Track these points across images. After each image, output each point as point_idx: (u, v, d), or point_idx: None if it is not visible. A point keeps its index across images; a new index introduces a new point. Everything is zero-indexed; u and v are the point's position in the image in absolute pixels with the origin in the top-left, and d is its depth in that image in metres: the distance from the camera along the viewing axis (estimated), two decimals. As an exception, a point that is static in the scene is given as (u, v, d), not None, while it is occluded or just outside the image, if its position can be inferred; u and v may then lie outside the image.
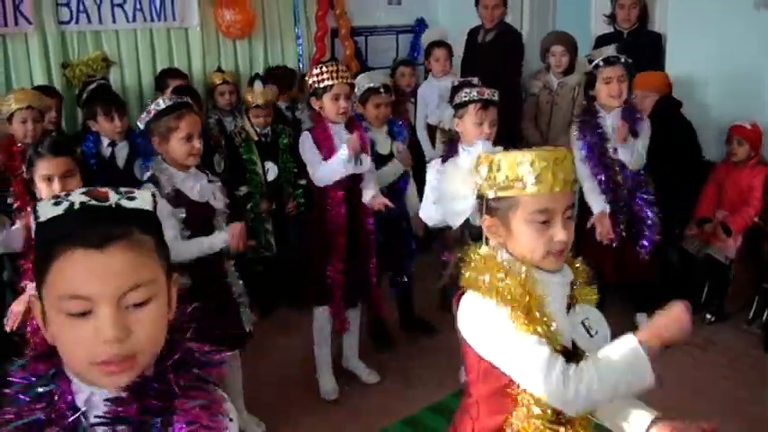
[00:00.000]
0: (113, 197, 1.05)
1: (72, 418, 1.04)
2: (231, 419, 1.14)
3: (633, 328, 1.56)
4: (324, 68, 3.31)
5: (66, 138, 4.01)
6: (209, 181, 2.96)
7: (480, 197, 1.59)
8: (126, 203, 1.05)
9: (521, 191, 1.50)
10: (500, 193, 1.53)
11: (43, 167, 2.59)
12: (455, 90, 4.11)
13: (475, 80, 4.21)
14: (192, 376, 1.11)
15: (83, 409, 1.05)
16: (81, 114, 4.44)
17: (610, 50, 3.71)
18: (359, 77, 3.93)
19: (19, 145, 3.55)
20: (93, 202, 1.03)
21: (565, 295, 1.59)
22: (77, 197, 1.03)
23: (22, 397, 1.06)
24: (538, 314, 1.48)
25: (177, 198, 2.81)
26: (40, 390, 1.06)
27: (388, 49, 6.05)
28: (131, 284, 1.01)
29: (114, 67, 4.80)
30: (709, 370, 3.69)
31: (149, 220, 1.08)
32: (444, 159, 3.06)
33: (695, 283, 4.26)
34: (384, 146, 3.79)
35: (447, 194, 1.66)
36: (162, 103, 2.85)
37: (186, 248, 2.75)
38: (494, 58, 4.94)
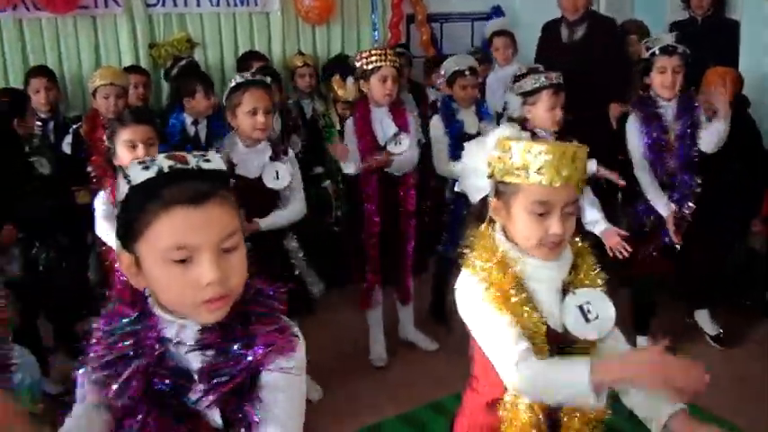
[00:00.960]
0: (192, 160, 1.17)
1: (159, 350, 1.17)
2: (300, 340, 1.29)
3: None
4: (373, 51, 3.48)
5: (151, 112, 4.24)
6: (275, 159, 3.07)
7: (491, 177, 1.62)
8: (204, 165, 1.17)
9: (523, 179, 1.52)
10: (506, 178, 1.56)
11: (126, 134, 2.69)
12: (519, 78, 4.17)
13: (540, 67, 4.24)
14: (264, 307, 1.25)
15: (175, 340, 1.19)
16: (168, 92, 4.66)
17: (668, 38, 3.53)
18: (447, 61, 4.04)
19: (101, 118, 3.75)
20: (179, 165, 1.14)
21: (557, 279, 1.60)
22: (163, 161, 1.14)
23: (110, 337, 1.19)
24: (515, 299, 1.52)
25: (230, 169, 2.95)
26: (128, 329, 1.19)
27: (463, 36, 6.07)
28: (225, 234, 1.15)
29: (198, 48, 4.99)
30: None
31: (226, 179, 1.20)
32: None
33: (760, 281, 4.14)
34: (472, 126, 3.84)
35: (469, 170, 1.73)
36: (234, 80, 3.05)
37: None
38: (590, 58, 4.28)
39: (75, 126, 3.94)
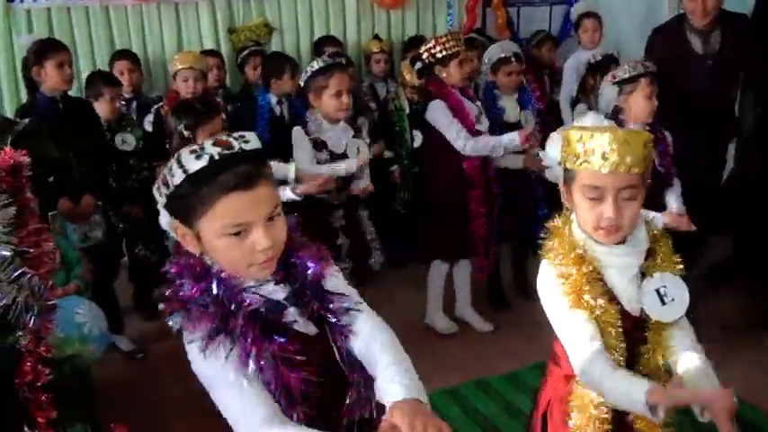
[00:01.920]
0: (235, 143, 1.31)
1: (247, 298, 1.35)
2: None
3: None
4: (449, 37, 3.59)
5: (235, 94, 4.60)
6: (355, 136, 3.29)
7: (560, 165, 1.69)
8: (246, 146, 1.31)
9: (577, 165, 1.57)
10: (567, 164, 1.62)
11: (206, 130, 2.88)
12: (595, 67, 4.10)
13: (615, 53, 4.18)
14: (293, 241, 1.46)
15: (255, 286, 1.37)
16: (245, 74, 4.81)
17: None
18: (491, 47, 4.06)
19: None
20: (226, 152, 1.29)
21: (634, 266, 1.64)
22: (211, 149, 1.29)
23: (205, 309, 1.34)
24: (590, 294, 1.57)
25: (319, 145, 3.20)
26: (213, 288, 1.35)
27: (541, 21, 5.98)
28: (272, 208, 1.34)
29: (275, 33, 5.09)
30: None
31: (263, 155, 1.36)
32: None
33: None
34: (513, 113, 3.88)
35: (549, 159, 1.77)
36: (316, 64, 3.22)
37: (318, 171, 3.13)
38: (731, 71, 3.76)
39: (156, 106, 4.14)
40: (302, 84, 3.29)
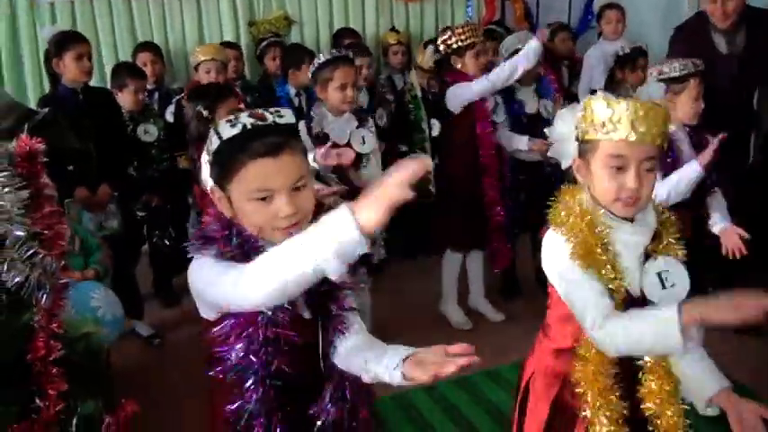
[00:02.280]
0: (269, 117, 1.41)
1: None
2: None
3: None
4: (465, 28, 3.62)
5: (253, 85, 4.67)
6: (360, 126, 3.30)
7: (577, 140, 1.68)
8: (279, 120, 1.42)
9: (601, 134, 1.58)
10: (587, 136, 1.62)
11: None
12: (623, 60, 4.08)
13: (643, 45, 4.15)
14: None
15: None
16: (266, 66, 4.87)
17: None
18: (507, 38, 4.10)
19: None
20: (259, 123, 1.40)
21: (640, 244, 1.65)
22: (246, 119, 1.40)
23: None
24: (599, 253, 1.59)
25: (321, 137, 3.21)
26: (235, 240, 1.45)
27: (561, 12, 5.98)
28: (297, 177, 1.42)
29: (294, 26, 5.16)
30: None
31: (296, 131, 1.48)
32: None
33: None
34: (531, 105, 3.90)
35: (558, 135, 1.76)
36: (323, 57, 3.27)
37: None
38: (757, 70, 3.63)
39: (177, 97, 4.22)
40: (310, 76, 3.35)
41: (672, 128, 2.61)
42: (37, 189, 1.45)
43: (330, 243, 1.19)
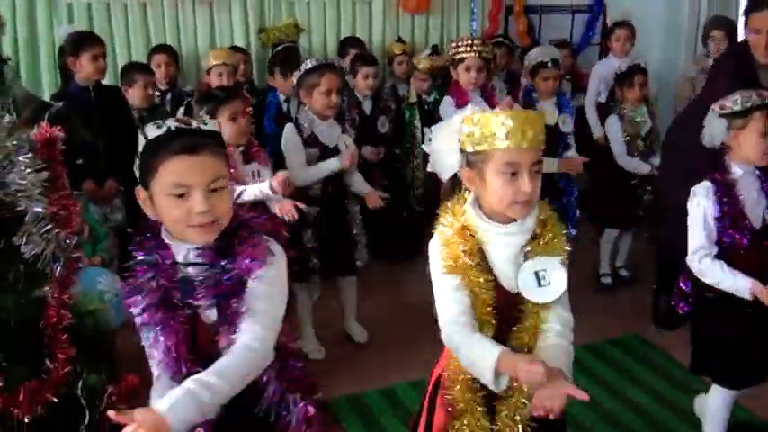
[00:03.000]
0: (194, 123, 1.56)
1: (172, 268, 1.55)
2: (277, 256, 1.61)
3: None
4: (461, 42, 3.73)
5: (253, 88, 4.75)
6: (343, 132, 3.51)
7: (462, 151, 1.76)
8: (203, 126, 1.56)
9: (493, 145, 1.66)
10: (477, 147, 1.70)
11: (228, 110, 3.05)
12: (622, 78, 4.26)
13: (642, 63, 4.29)
14: (247, 230, 1.61)
15: (182, 260, 1.56)
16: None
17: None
18: (531, 51, 4.20)
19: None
20: (183, 126, 1.53)
21: (518, 245, 1.74)
22: (171, 123, 1.53)
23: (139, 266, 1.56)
24: (468, 261, 1.71)
25: (312, 140, 3.37)
26: (149, 258, 1.57)
27: (563, 28, 6.13)
28: (214, 177, 1.53)
29: (303, 33, 5.31)
30: None
31: (219, 138, 1.60)
32: (719, 184, 2.56)
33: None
34: (550, 117, 3.93)
35: (438, 149, 1.87)
36: (309, 63, 3.42)
37: (309, 172, 3.31)
38: None
39: (188, 99, 4.37)
40: (295, 81, 3.46)
41: (736, 169, 2.54)
42: (54, 173, 1.61)
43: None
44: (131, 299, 1.53)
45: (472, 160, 1.73)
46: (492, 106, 3.67)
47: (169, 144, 1.50)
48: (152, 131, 1.52)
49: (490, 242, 1.74)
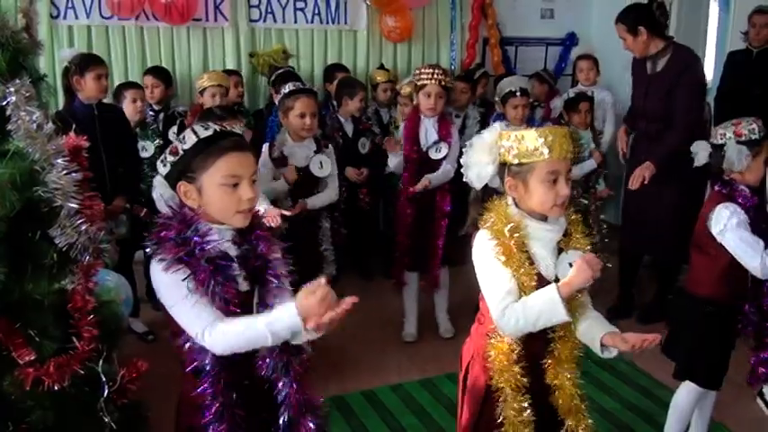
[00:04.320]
0: (229, 128, 1.84)
1: (210, 246, 1.78)
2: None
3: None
4: (423, 70, 3.94)
5: (246, 110, 5.06)
6: (318, 152, 3.69)
7: (503, 164, 2.03)
8: (236, 129, 1.87)
9: (539, 158, 1.95)
10: (523, 160, 1.98)
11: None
12: (569, 104, 4.63)
13: (589, 92, 4.60)
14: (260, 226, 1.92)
15: (218, 239, 1.80)
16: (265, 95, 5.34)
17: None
18: (502, 81, 4.46)
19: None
20: (227, 128, 1.83)
21: (555, 240, 2.04)
22: (215, 126, 1.81)
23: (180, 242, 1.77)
24: (518, 255, 1.97)
25: (281, 159, 3.62)
26: (188, 234, 1.77)
27: (537, 59, 6.49)
28: (254, 170, 1.84)
29: (292, 58, 5.61)
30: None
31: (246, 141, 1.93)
32: (737, 202, 2.75)
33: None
34: None
35: (473, 162, 2.10)
36: (287, 88, 3.65)
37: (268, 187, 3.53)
38: None
39: (180, 118, 4.62)
40: (277, 104, 3.72)
41: (745, 189, 2.77)
42: (82, 176, 1.84)
43: (287, 331, 1.70)
44: (175, 265, 1.73)
45: (516, 171, 2.01)
46: (446, 135, 3.95)
47: (222, 142, 1.77)
48: (201, 131, 1.77)
49: (534, 237, 2.02)
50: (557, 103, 5.44)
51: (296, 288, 1.79)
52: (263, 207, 3.26)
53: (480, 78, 5.67)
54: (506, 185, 2.06)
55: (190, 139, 1.78)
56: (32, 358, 1.67)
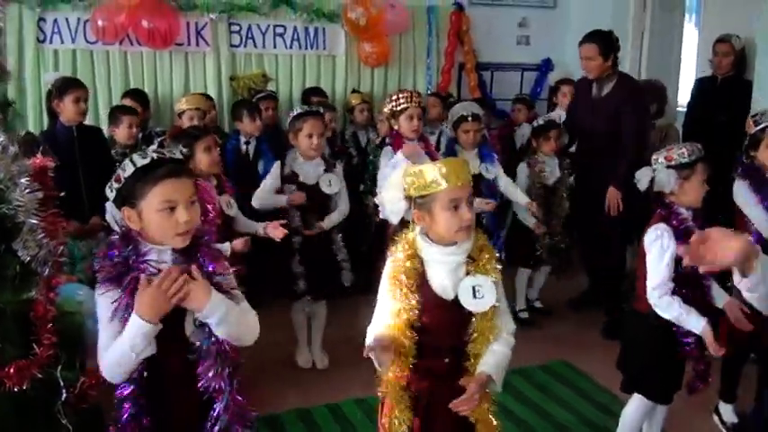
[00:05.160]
0: (167, 153, 1.95)
1: (144, 266, 1.91)
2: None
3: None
4: (401, 94, 4.08)
5: (220, 132, 5.15)
6: (327, 171, 3.89)
7: (408, 198, 2.16)
8: (175, 156, 1.98)
9: (437, 188, 2.08)
10: (424, 192, 2.10)
11: (204, 143, 3.42)
12: (538, 131, 4.68)
13: (558, 118, 4.77)
14: (206, 243, 2.02)
15: (156, 259, 1.92)
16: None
17: None
18: (454, 107, 4.61)
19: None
20: (162, 155, 1.91)
21: (453, 262, 2.14)
22: (152, 154, 1.91)
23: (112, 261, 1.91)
24: (404, 279, 2.11)
25: (291, 176, 3.84)
26: (124, 253, 1.91)
27: (513, 84, 6.68)
28: (191, 193, 1.95)
29: (271, 82, 5.78)
30: None
31: (185, 163, 2.08)
32: (672, 225, 2.86)
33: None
34: (473, 166, 4.21)
35: (386, 200, 2.25)
36: (296, 110, 3.90)
37: (269, 198, 3.84)
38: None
39: (160, 138, 4.76)
40: (288, 126, 3.91)
41: (683, 210, 2.86)
42: (46, 194, 2.00)
43: (138, 336, 1.80)
44: (107, 284, 1.87)
45: (420, 203, 2.13)
46: (430, 151, 4.10)
47: (157, 170, 1.88)
48: (139, 161, 1.89)
49: (432, 260, 2.14)
50: (524, 131, 5.60)
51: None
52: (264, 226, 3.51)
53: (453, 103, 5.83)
54: (414, 217, 2.19)
55: (129, 168, 1.89)
56: (-6, 361, 1.82)
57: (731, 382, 3.55)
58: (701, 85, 5.46)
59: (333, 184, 3.89)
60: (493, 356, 2.14)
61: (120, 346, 1.82)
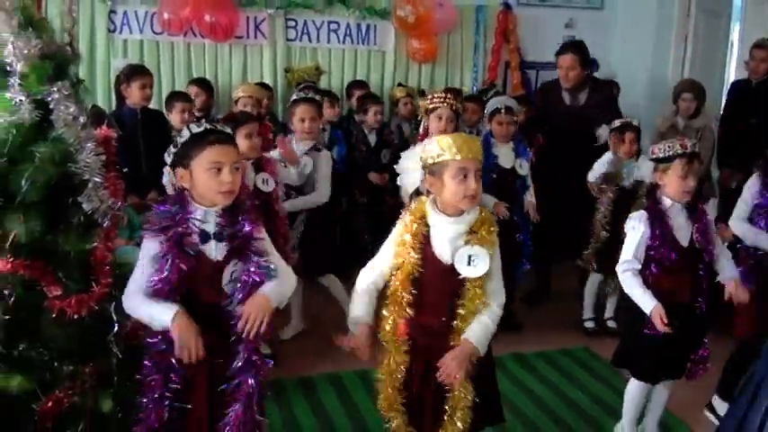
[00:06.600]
0: (219, 126, 2.26)
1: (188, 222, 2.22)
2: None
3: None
4: (437, 94, 4.22)
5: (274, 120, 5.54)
6: (307, 154, 4.15)
7: (424, 168, 2.41)
8: (224, 129, 2.27)
9: (449, 157, 2.30)
10: (437, 159, 2.33)
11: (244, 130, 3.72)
12: (618, 131, 4.63)
13: (635, 121, 4.78)
14: (248, 206, 2.33)
15: (199, 218, 2.24)
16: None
17: None
18: (490, 101, 4.70)
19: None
20: (214, 127, 2.24)
21: (453, 231, 2.35)
22: (206, 125, 2.24)
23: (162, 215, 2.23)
24: (409, 237, 2.37)
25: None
26: (173, 209, 2.22)
27: (557, 83, 6.83)
28: (236, 159, 2.25)
29: (324, 75, 6.14)
30: None
31: (233, 137, 2.32)
32: (651, 212, 3.04)
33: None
34: (507, 160, 4.37)
35: (405, 169, 2.54)
36: (294, 96, 4.24)
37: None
38: None
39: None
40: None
41: (665, 200, 3.02)
42: (108, 159, 2.35)
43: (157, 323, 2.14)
44: (153, 231, 2.19)
45: (434, 170, 2.36)
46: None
47: (208, 136, 2.19)
48: (195, 128, 2.21)
49: (436, 226, 2.37)
50: (603, 132, 5.54)
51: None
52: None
53: (492, 98, 6.04)
54: (426, 183, 2.42)
55: (185, 134, 2.21)
56: (59, 293, 2.17)
57: (733, 378, 3.48)
58: (737, 88, 5.58)
59: (307, 166, 4.11)
60: (479, 326, 2.37)
61: (146, 309, 2.16)
